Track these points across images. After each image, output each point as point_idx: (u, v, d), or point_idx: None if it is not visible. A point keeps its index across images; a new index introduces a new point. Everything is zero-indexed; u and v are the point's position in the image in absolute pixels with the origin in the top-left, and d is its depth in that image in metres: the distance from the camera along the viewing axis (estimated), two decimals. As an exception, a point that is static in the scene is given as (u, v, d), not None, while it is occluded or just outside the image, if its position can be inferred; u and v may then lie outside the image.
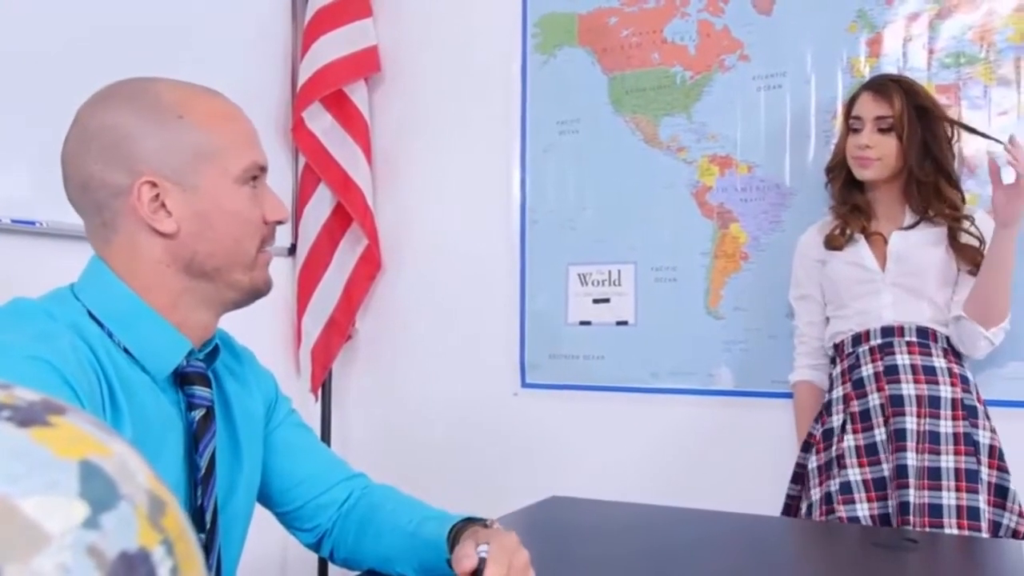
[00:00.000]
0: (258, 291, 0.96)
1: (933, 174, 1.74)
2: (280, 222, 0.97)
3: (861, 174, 1.78)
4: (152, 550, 0.34)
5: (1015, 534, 1.63)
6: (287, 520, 1.11)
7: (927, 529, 1.58)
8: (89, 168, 0.88)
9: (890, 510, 1.65)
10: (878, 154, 1.74)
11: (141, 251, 0.90)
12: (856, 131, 1.78)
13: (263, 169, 0.95)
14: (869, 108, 1.76)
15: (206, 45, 2.21)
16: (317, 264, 2.51)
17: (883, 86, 1.76)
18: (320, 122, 2.47)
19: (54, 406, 0.37)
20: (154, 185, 0.88)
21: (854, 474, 1.68)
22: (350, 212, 2.47)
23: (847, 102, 1.86)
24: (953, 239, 1.73)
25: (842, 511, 1.66)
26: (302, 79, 2.47)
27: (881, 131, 1.74)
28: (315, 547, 1.12)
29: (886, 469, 1.66)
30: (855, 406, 1.72)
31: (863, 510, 1.65)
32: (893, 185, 1.79)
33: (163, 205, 0.89)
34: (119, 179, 0.88)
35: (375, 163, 2.56)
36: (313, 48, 2.46)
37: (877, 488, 1.66)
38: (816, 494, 1.74)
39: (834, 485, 1.69)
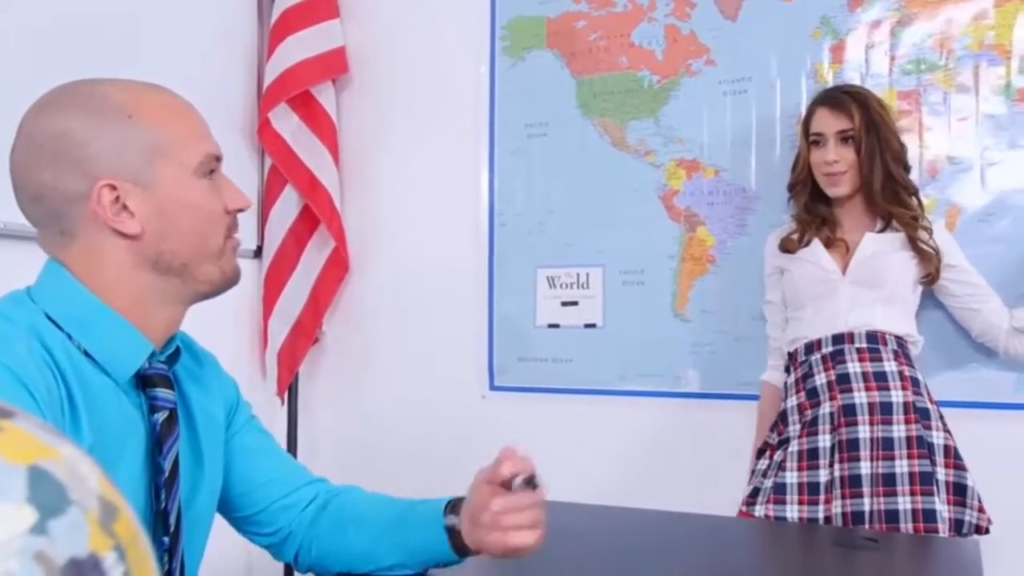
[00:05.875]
0: (228, 280, 0.96)
1: (890, 184, 1.77)
2: (241, 210, 0.96)
3: (834, 191, 1.79)
4: (103, 556, 0.34)
5: (978, 529, 1.66)
6: (245, 525, 1.09)
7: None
8: (41, 178, 0.86)
9: (820, 515, 1.67)
10: (845, 166, 1.77)
11: (104, 255, 0.88)
12: (818, 146, 1.80)
13: (218, 159, 0.95)
14: (829, 123, 1.78)
15: (170, 45, 2.18)
16: (283, 266, 2.49)
17: (839, 100, 1.78)
18: (287, 123, 2.45)
19: (1, 410, 0.36)
20: (114, 188, 0.87)
21: (791, 476, 1.70)
22: (317, 214, 2.45)
23: (804, 119, 1.87)
24: (913, 244, 1.77)
25: (770, 510, 1.69)
26: (268, 80, 2.44)
27: (843, 142, 1.77)
28: (276, 550, 1.10)
29: (822, 475, 1.68)
30: (808, 415, 1.74)
31: (792, 511, 1.68)
32: (856, 197, 1.81)
33: (125, 207, 0.87)
34: (75, 185, 0.86)
35: (342, 165, 2.54)
36: (280, 48, 2.44)
37: (810, 492, 1.69)
38: (747, 490, 1.78)
39: (767, 482, 1.72)
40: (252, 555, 2.46)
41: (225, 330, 2.43)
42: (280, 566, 2.42)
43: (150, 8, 2.14)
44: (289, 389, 2.53)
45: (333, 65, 2.49)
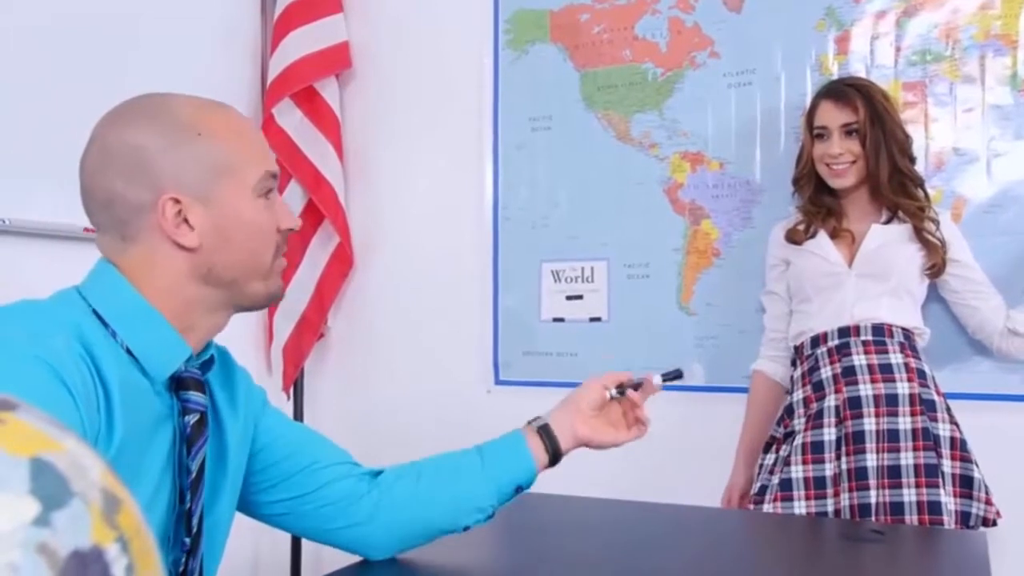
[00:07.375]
0: (273, 298, 1.02)
1: (896, 175, 1.76)
2: (292, 230, 1.01)
3: (838, 183, 1.78)
4: (106, 548, 0.34)
5: (984, 522, 1.65)
6: (265, 496, 1.09)
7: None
8: (112, 185, 0.91)
9: (829, 508, 1.67)
10: (851, 158, 1.76)
11: (159, 263, 0.92)
12: (822, 139, 1.79)
13: (275, 177, 0.99)
14: (833, 116, 1.77)
15: (173, 41, 2.18)
16: (288, 261, 2.49)
17: (843, 93, 1.77)
18: (290, 118, 2.45)
19: (5, 402, 0.36)
20: (177, 201, 0.91)
21: (796, 471, 1.69)
22: (321, 209, 2.45)
23: (808, 112, 1.86)
24: (919, 236, 1.76)
25: (778, 507, 1.68)
26: (272, 75, 2.44)
27: (847, 135, 1.76)
28: (288, 519, 1.10)
29: (828, 469, 1.68)
30: (814, 408, 1.74)
31: (800, 507, 1.68)
32: (862, 188, 1.80)
33: (186, 220, 0.91)
34: (143, 196, 0.90)
35: (346, 160, 2.54)
36: (283, 44, 2.44)
37: (816, 487, 1.68)
38: (754, 487, 1.78)
39: (774, 479, 1.72)
40: (260, 551, 2.47)
41: (230, 325, 2.43)
42: (287, 563, 2.43)
43: (152, 5, 2.14)
44: (295, 384, 2.53)
45: (336, 60, 2.49)
